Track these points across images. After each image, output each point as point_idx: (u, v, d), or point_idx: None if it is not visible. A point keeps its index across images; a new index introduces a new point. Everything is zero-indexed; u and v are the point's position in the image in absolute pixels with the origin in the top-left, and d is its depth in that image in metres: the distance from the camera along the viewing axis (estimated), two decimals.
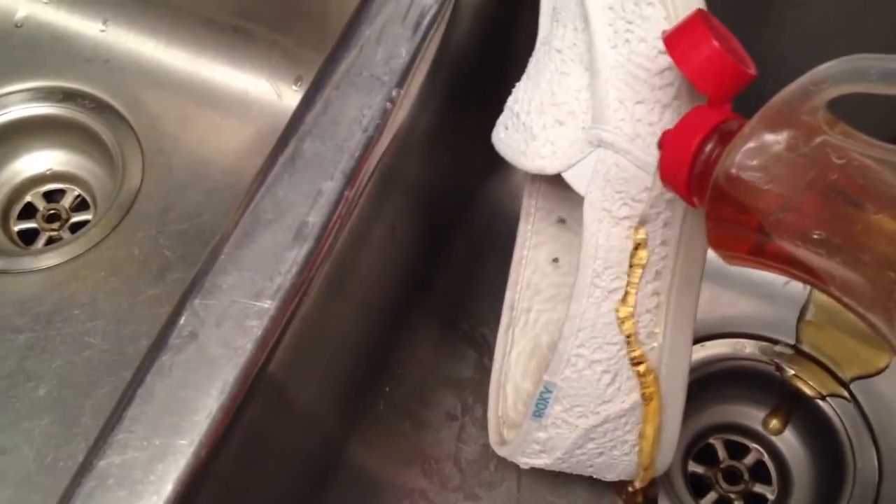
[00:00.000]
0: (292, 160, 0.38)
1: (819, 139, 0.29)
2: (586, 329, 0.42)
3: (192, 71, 0.61)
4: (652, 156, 0.39)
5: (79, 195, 0.61)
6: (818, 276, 0.29)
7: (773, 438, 0.54)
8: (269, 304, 0.36)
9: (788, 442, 0.54)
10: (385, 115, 0.40)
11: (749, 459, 0.55)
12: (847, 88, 0.27)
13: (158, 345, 0.35)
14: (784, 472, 0.54)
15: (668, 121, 0.39)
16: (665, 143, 0.36)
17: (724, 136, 0.32)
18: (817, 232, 0.28)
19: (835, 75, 0.28)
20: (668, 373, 0.44)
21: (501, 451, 0.49)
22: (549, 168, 0.42)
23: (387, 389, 0.52)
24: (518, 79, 0.44)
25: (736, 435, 0.55)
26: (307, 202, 0.37)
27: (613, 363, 0.43)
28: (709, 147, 0.33)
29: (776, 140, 0.30)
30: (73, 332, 0.53)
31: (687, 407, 0.46)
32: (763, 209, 0.30)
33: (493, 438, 0.50)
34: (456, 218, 0.56)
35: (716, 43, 0.33)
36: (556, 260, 0.51)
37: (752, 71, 0.34)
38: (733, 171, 0.30)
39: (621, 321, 0.42)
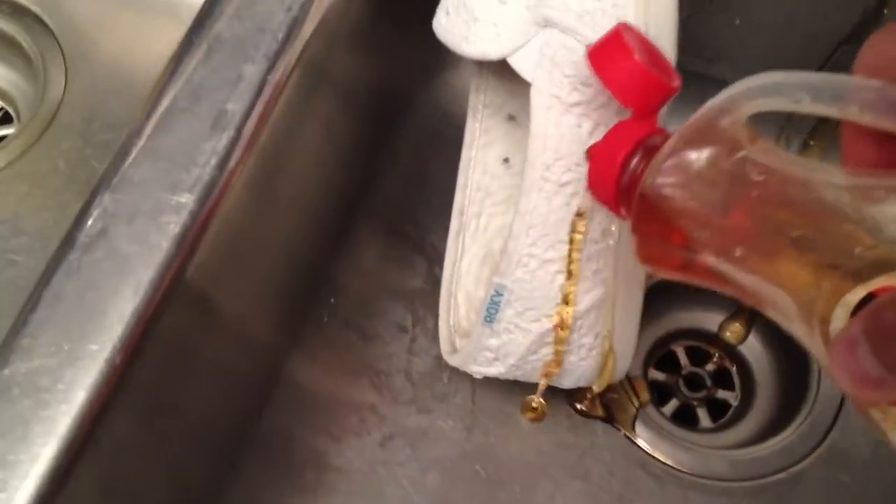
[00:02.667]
0: (208, 43, 0.35)
1: (739, 155, 0.29)
2: (538, 226, 0.40)
3: None
4: (601, 33, 0.36)
5: (0, 107, 0.57)
6: (744, 292, 0.29)
7: (735, 343, 0.53)
8: (186, 198, 0.33)
9: (751, 346, 0.53)
10: None
11: (711, 365, 0.53)
12: (766, 105, 0.27)
13: (66, 244, 0.32)
14: (747, 378, 0.53)
15: None
16: (593, 155, 0.36)
17: (649, 151, 0.33)
18: (739, 248, 0.28)
19: (753, 92, 0.28)
20: (625, 272, 0.42)
21: (453, 361, 0.47)
22: (493, 52, 0.39)
23: (331, 301, 0.49)
24: None
25: (698, 341, 0.54)
26: (226, 88, 0.34)
27: (568, 262, 0.40)
28: (634, 162, 0.33)
29: (696, 157, 0.29)
30: None
31: (647, 313, 0.45)
32: (685, 225, 0.30)
33: (444, 348, 0.48)
34: (399, 118, 0.53)
35: (637, 58, 0.33)
36: (506, 160, 0.48)
37: (677, 83, 0.34)
38: (654, 187, 0.31)
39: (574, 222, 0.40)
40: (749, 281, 0.28)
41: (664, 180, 0.30)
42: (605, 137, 0.36)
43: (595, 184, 0.36)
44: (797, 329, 0.27)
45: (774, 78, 0.27)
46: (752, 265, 0.28)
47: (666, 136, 0.32)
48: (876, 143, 0.27)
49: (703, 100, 0.30)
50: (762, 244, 0.28)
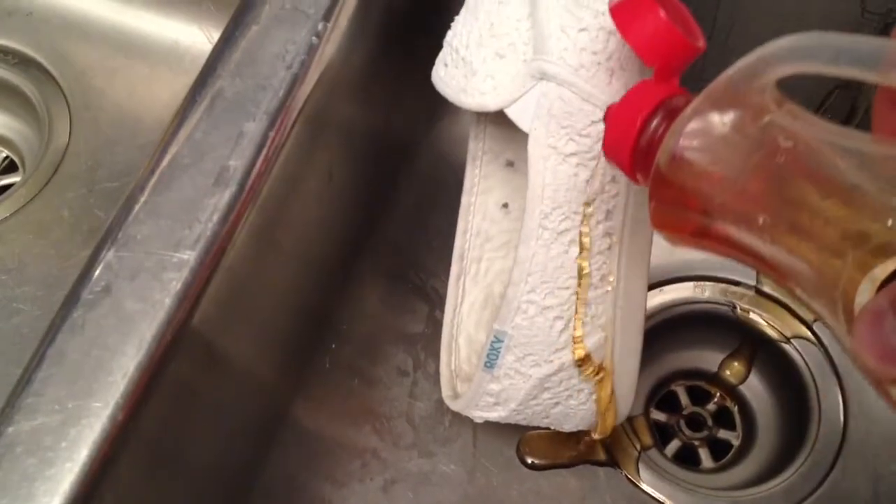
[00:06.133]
0: (211, 101, 0.36)
1: (766, 119, 0.27)
2: (536, 273, 0.40)
3: (118, 21, 0.58)
4: (597, 87, 0.37)
5: (6, 156, 0.58)
6: (764, 262, 0.28)
7: (736, 383, 0.53)
8: (188, 255, 0.33)
9: (752, 386, 0.53)
10: (311, 51, 0.37)
11: (712, 405, 0.53)
12: (797, 68, 0.26)
13: (70, 301, 0.33)
14: (748, 417, 0.53)
15: (613, 48, 0.37)
16: (609, 117, 0.35)
17: (670, 113, 0.31)
18: (762, 216, 0.27)
19: (784, 53, 0.26)
20: (623, 316, 0.42)
21: (454, 406, 0.47)
22: (491, 104, 0.40)
23: (333, 346, 0.50)
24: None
25: (698, 380, 0.54)
26: (228, 145, 0.35)
27: (566, 308, 0.41)
28: (654, 124, 0.32)
29: (721, 120, 0.28)
30: (1, 298, 0.50)
31: (647, 353, 0.45)
32: (706, 191, 0.29)
33: (445, 393, 0.48)
34: (400, 165, 0.54)
35: (663, 14, 0.32)
36: (506, 205, 0.49)
37: (701, 44, 0.33)
38: (676, 151, 0.29)
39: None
40: (770, 251, 0.27)
41: (686, 143, 0.29)
42: (624, 98, 0.34)
43: (611, 146, 0.34)
44: (818, 304, 0.26)
45: (808, 39, 0.25)
46: (774, 235, 0.27)
47: (689, 98, 0.30)
48: None
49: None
50: (786, 213, 0.26)
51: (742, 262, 0.29)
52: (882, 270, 0.23)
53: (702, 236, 0.30)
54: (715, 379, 0.54)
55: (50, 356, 0.32)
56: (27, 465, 0.30)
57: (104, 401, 0.31)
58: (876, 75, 0.23)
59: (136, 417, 0.32)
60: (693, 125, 0.29)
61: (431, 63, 0.42)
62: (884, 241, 0.23)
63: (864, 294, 0.24)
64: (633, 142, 0.32)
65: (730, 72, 0.28)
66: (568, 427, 0.45)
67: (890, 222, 0.23)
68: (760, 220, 0.27)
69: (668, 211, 0.31)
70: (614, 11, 0.34)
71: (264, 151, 0.35)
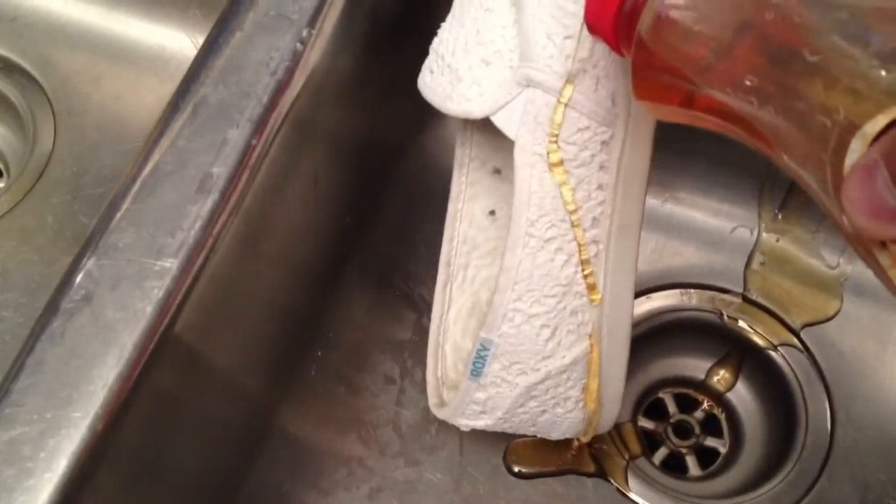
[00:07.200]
0: (194, 108, 0.35)
1: None
2: (523, 282, 0.40)
3: (104, 26, 0.57)
4: (583, 94, 0.37)
5: None
6: (750, 129, 0.27)
7: (723, 390, 0.53)
8: (170, 263, 0.33)
9: (739, 394, 0.53)
10: (295, 57, 0.37)
11: (700, 413, 0.53)
12: None
13: (49, 310, 0.32)
14: (735, 425, 0.53)
15: (600, 55, 0.37)
16: None
17: None
18: (749, 78, 0.26)
19: None
20: (610, 324, 0.42)
21: (440, 414, 0.47)
22: (477, 111, 0.40)
23: (319, 354, 0.49)
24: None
25: (686, 388, 0.54)
26: (211, 152, 0.35)
27: (552, 317, 0.41)
28: None
29: None
30: None
31: (634, 361, 0.45)
32: (693, 53, 0.28)
33: (432, 401, 0.48)
34: (387, 172, 0.53)
35: None
36: (492, 212, 0.49)
37: None
38: (660, 10, 0.28)
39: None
40: (757, 115, 0.26)
41: (671, 1, 0.28)
42: None
43: (593, 16, 0.32)
44: (806, 172, 0.25)
45: None
46: (762, 96, 0.26)
47: None
48: None
49: None
50: (775, 72, 0.26)
51: (729, 132, 0.28)
52: (872, 126, 0.23)
53: (688, 105, 0.29)
54: (702, 386, 0.54)
55: (29, 365, 0.31)
56: (6, 476, 0.30)
57: (84, 410, 0.31)
58: None
59: (117, 427, 0.32)
60: None
61: (417, 69, 0.42)
62: (874, 96, 0.23)
63: (855, 153, 0.23)
64: (616, 6, 0.31)
65: None
66: (555, 435, 0.45)
67: (883, 74, 0.23)
68: (748, 82, 0.26)
69: (653, 80, 0.30)
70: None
71: (248, 159, 0.35)
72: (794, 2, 0.25)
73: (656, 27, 0.28)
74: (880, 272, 0.24)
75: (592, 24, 0.33)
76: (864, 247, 0.24)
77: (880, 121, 0.22)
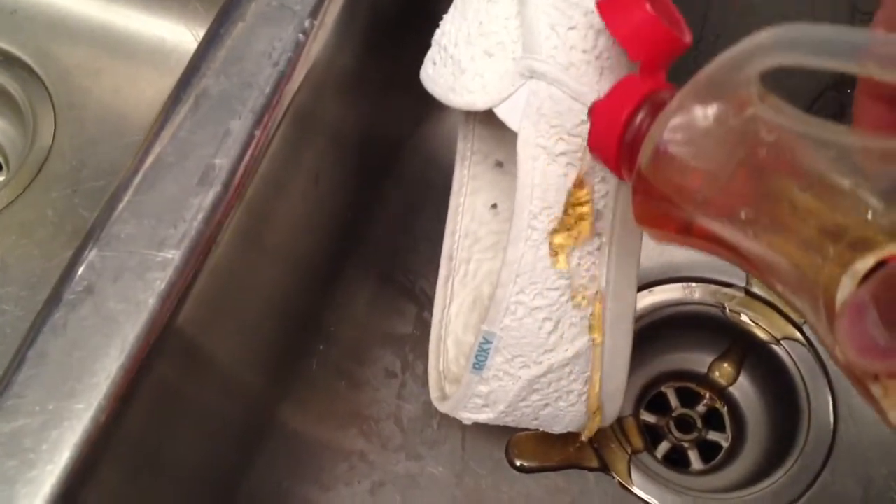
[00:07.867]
0: (196, 99, 0.35)
1: (749, 113, 0.27)
2: (525, 274, 0.40)
3: (104, 19, 0.57)
4: (587, 85, 0.37)
5: None
6: (747, 258, 0.28)
7: (726, 384, 0.53)
8: (172, 254, 0.33)
9: (742, 388, 0.53)
10: (298, 48, 0.37)
11: (702, 407, 0.53)
12: (779, 60, 0.25)
13: (51, 302, 0.32)
14: (738, 419, 0.53)
15: (603, 47, 0.37)
16: (595, 112, 0.34)
17: (655, 107, 0.31)
18: (744, 211, 0.27)
19: (767, 45, 0.25)
20: (612, 317, 0.42)
21: (443, 407, 0.46)
22: (479, 103, 0.39)
23: (320, 348, 0.49)
24: None
25: (688, 382, 0.54)
26: (213, 143, 0.35)
27: (555, 310, 0.40)
28: (639, 118, 0.32)
29: (704, 113, 0.28)
30: None
31: (637, 354, 0.44)
32: (689, 186, 0.29)
33: (434, 394, 0.48)
34: (388, 166, 0.53)
35: (649, 8, 0.32)
36: (494, 206, 0.49)
37: (688, 39, 0.33)
38: (659, 145, 0.29)
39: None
40: (752, 247, 0.27)
41: (670, 137, 0.29)
42: (610, 92, 0.34)
43: (596, 142, 0.34)
44: (800, 302, 0.26)
45: (789, 31, 0.25)
46: (756, 229, 0.27)
47: (674, 92, 0.30)
48: (893, 104, 0.26)
49: None
50: (767, 207, 0.26)
51: (726, 259, 0.29)
52: (863, 265, 0.23)
53: (685, 232, 0.30)
54: (705, 380, 0.53)
55: (31, 357, 0.31)
56: (8, 468, 0.30)
57: (86, 402, 0.31)
58: (855, 66, 0.23)
59: (119, 419, 0.32)
60: (676, 119, 0.29)
61: (420, 61, 0.42)
62: (863, 235, 0.23)
63: (846, 289, 0.23)
64: (618, 136, 0.32)
65: (713, 65, 0.28)
66: (558, 429, 0.45)
67: (869, 215, 0.23)
68: (743, 215, 0.27)
69: (652, 206, 0.31)
70: (601, 4, 0.34)
71: (250, 150, 0.35)
72: (786, 140, 0.26)
73: (655, 160, 0.29)
74: (873, 402, 0.24)
75: (595, 149, 0.34)
76: (857, 377, 0.24)
77: (869, 260, 0.23)
